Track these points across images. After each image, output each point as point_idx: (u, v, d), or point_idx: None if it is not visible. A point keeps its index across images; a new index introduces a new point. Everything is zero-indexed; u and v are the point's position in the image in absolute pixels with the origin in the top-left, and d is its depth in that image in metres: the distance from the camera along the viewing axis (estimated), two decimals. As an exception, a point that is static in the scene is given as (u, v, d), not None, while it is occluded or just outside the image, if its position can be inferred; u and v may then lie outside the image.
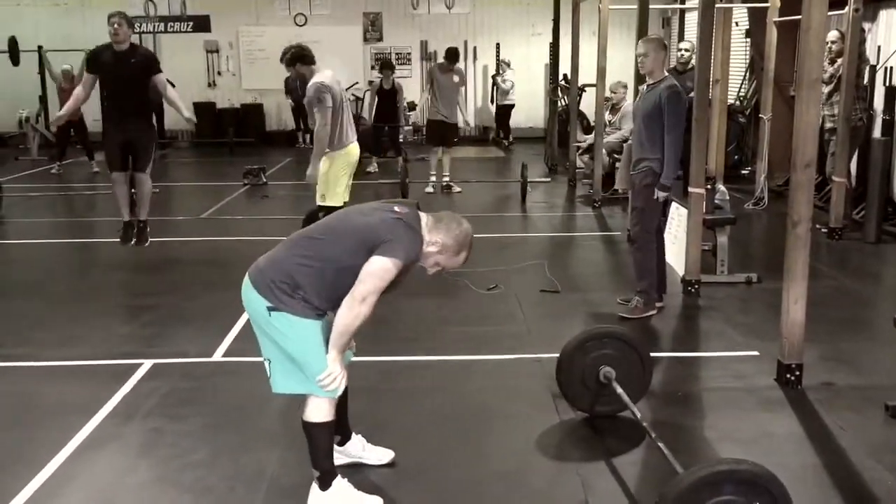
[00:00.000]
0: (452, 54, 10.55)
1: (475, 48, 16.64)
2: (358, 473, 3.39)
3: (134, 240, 6.97)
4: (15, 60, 13.72)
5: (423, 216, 3.10)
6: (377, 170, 12.44)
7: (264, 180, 11.21)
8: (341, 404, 3.25)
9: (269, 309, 2.94)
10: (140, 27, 14.29)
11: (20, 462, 3.53)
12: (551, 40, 13.20)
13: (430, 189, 10.56)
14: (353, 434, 3.47)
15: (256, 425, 3.94)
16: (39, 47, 13.86)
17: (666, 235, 5.89)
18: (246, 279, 3.04)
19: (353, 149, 6.41)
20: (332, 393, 3.02)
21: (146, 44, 15.92)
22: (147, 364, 4.61)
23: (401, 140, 13.16)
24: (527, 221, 9.33)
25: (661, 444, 3.20)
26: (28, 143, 14.27)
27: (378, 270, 2.90)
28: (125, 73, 6.55)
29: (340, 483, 3.14)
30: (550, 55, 13.51)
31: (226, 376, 4.57)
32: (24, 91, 14.54)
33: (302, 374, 3.01)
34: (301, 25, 16.38)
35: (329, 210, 6.20)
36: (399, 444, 3.61)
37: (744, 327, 5.32)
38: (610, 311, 5.57)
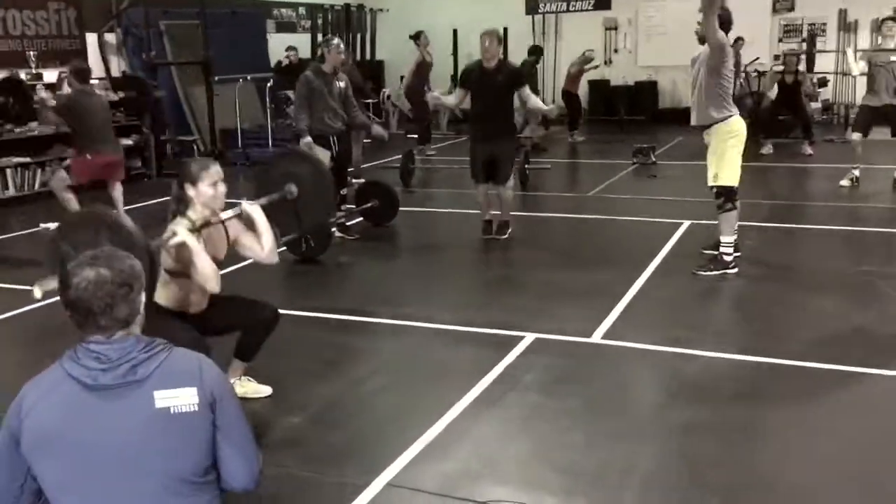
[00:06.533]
0: None
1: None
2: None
3: (492, 234, 7.23)
4: (455, 48, 14.94)
5: None
6: (771, 151, 11.55)
7: (653, 159, 11.00)
8: None
9: None
10: (544, 7, 14.84)
11: (416, 414, 3.84)
12: None
13: (844, 182, 8.97)
14: None
15: (632, 415, 3.86)
16: (454, 30, 15.10)
17: None
18: None
19: (736, 122, 5.85)
20: None
21: (548, 23, 16.63)
22: (529, 337, 4.74)
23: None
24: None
25: None
26: (439, 118, 15.64)
27: None
28: (492, 89, 6.83)
29: None
30: None
31: (603, 359, 4.54)
32: (437, 72, 15.92)
33: None
34: (704, -2, 15.70)
35: (723, 190, 5.84)
36: (763, 454, 3.28)
37: None
38: None
